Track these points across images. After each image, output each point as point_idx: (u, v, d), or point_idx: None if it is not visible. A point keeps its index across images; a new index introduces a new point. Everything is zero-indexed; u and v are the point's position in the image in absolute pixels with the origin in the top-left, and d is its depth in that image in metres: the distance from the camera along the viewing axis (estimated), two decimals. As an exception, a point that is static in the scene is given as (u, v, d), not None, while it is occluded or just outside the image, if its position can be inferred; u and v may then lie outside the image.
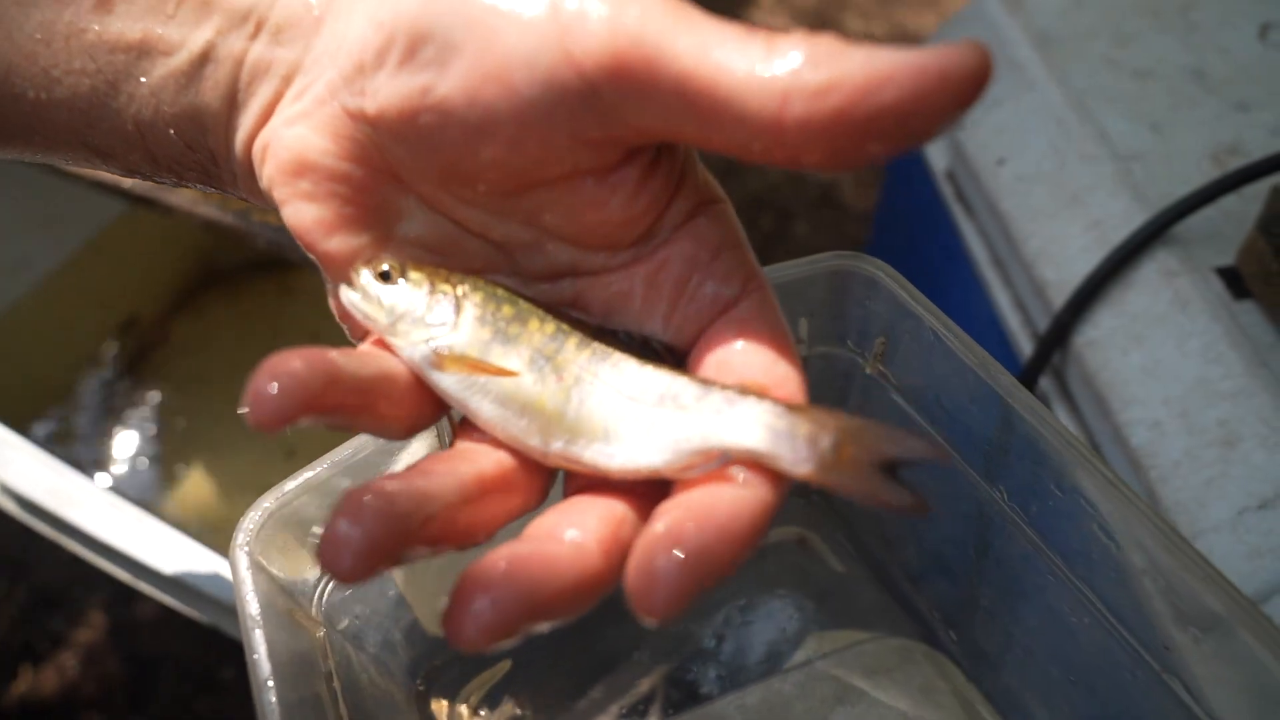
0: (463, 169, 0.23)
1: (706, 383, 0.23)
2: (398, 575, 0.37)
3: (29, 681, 1.02)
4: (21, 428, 0.67)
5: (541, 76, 0.21)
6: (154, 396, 1.04)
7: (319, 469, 0.31)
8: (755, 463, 0.21)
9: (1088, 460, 0.30)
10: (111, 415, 1.05)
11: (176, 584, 0.55)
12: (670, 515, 0.20)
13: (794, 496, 0.44)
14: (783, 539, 0.44)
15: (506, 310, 0.24)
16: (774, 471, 0.21)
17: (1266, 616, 0.27)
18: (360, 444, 0.32)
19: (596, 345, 0.24)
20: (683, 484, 0.22)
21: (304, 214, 0.24)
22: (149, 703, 0.99)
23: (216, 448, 0.99)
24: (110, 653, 1.03)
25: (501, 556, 0.20)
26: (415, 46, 0.22)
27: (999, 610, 0.37)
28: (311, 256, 0.25)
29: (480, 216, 0.25)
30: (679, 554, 0.19)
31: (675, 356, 0.25)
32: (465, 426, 0.25)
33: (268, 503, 0.30)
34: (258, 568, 0.29)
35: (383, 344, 0.25)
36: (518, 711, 0.42)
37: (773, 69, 0.19)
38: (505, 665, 0.42)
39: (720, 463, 0.22)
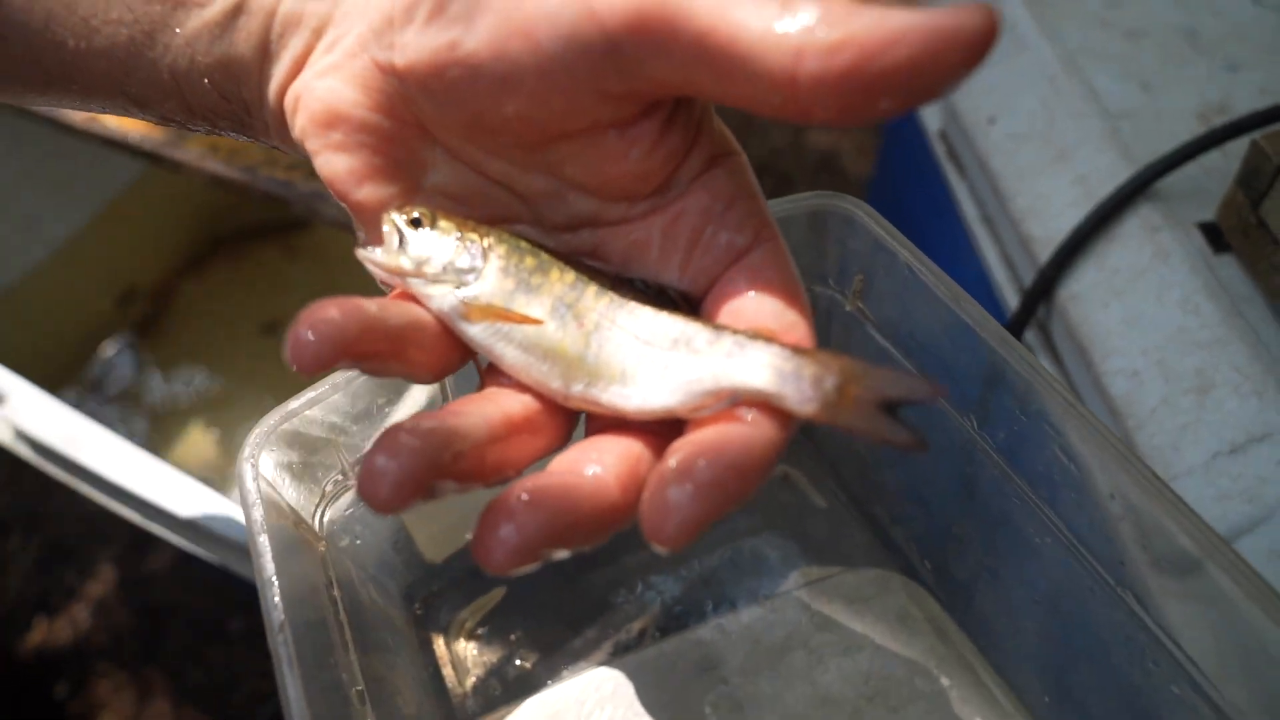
0: (488, 121, 0.24)
1: (718, 328, 0.24)
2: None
3: (44, 631, 1.05)
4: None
5: (565, 31, 0.22)
6: (162, 356, 1.06)
7: (321, 389, 0.33)
8: (763, 403, 0.23)
9: (1050, 387, 0.31)
10: (121, 375, 1.07)
11: (186, 525, 0.57)
12: (682, 451, 0.22)
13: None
14: (776, 478, 0.46)
15: (529, 261, 0.26)
16: (781, 411, 0.23)
17: (1207, 526, 0.29)
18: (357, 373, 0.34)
19: (614, 293, 0.25)
20: (695, 423, 0.24)
21: (336, 164, 0.25)
22: (159, 652, 1.02)
23: (222, 404, 1.02)
24: (122, 604, 1.05)
25: (526, 487, 0.22)
26: (443, 2, 0.23)
27: (971, 539, 0.39)
28: (343, 204, 0.26)
29: (504, 168, 0.26)
30: (690, 486, 0.21)
31: (690, 303, 0.26)
32: (491, 370, 0.26)
33: (273, 419, 0.32)
34: (263, 480, 0.31)
35: (407, 297, 0.26)
36: (511, 636, 0.43)
37: (787, 26, 0.20)
38: (500, 592, 0.44)
39: (730, 403, 0.23)
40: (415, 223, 0.25)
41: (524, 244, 0.26)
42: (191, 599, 1.06)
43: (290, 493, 0.33)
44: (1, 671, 1.02)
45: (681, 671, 0.40)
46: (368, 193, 0.25)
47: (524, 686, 0.41)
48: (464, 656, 0.42)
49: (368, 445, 0.35)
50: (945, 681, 0.39)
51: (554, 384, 0.25)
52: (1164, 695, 0.31)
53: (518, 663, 0.43)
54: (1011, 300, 0.62)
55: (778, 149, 1.36)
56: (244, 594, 1.05)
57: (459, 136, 0.25)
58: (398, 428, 0.22)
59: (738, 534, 0.45)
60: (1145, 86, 0.63)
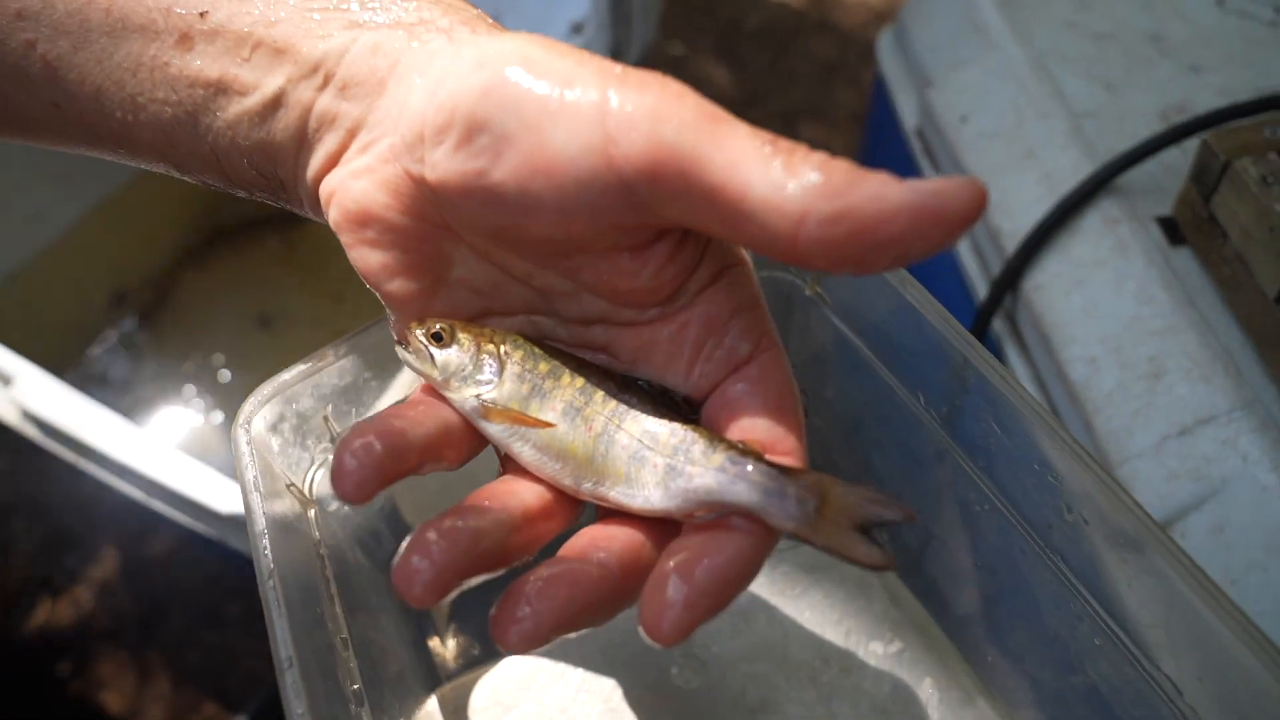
0: (511, 235, 0.27)
1: (713, 440, 0.27)
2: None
3: (48, 613, 1.07)
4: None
5: (585, 176, 0.24)
6: (161, 346, 1.09)
7: (311, 363, 0.35)
8: (750, 516, 0.26)
9: (985, 363, 0.34)
10: (122, 364, 1.09)
11: (186, 501, 0.60)
12: (679, 556, 0.25)
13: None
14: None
15: (543, 367, 0.28)
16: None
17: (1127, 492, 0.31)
18: (348, 347, 0.36)
19: (620, 398, 0.28)
20: (691, 526, 0.27)
21: (369, 259, 0.28)
22: (159, 635, 1.04)
23: (219, 394, 1.04)
24: (122, 589, 1.08)
25: (540, 575, 0.25)
26: (472, 134, 0.25)
27: (921, 509, 0.41)
28: (377, 294, 0.29)
29: (525, 267, 0.28)
30: (685, 588, 0.24)
31: (692, 406, 0.29)
32: (509, 461, 0.29)
33: (266, 389, 0.34)
34: (256, 444, 0.33)
35: (435, 392, 0.29)
36: (491, 600, 0.46)
37: (792, 192, 0.22)
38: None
39: (721, 513, 0.26)
40: (437, 337, 0.28)
41: (538, 350, 0.29)
42: (190, 584, 1.09)
43: (281, 459, 0.36)
44: (6, 651, 1.04)
45: (650, 633, 0.42)
46: (398, 286, 0.28)
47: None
48: (447, 619, 0.45)
49: (355, 418, 0.38)
50: (898, 645, 0.42)
51: (565, 480, 0.28)
52: (1086, 646, 0.33)
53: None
54: (981, 291, 0.65)
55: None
56: (241, 580, 1.07)
57: (484, 240, 0.27)
58: (427, 529, 0.25)
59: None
60: (1110, 87, 0.66)
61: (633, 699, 0.41)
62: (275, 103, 0.28)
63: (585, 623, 0.25)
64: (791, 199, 0.22)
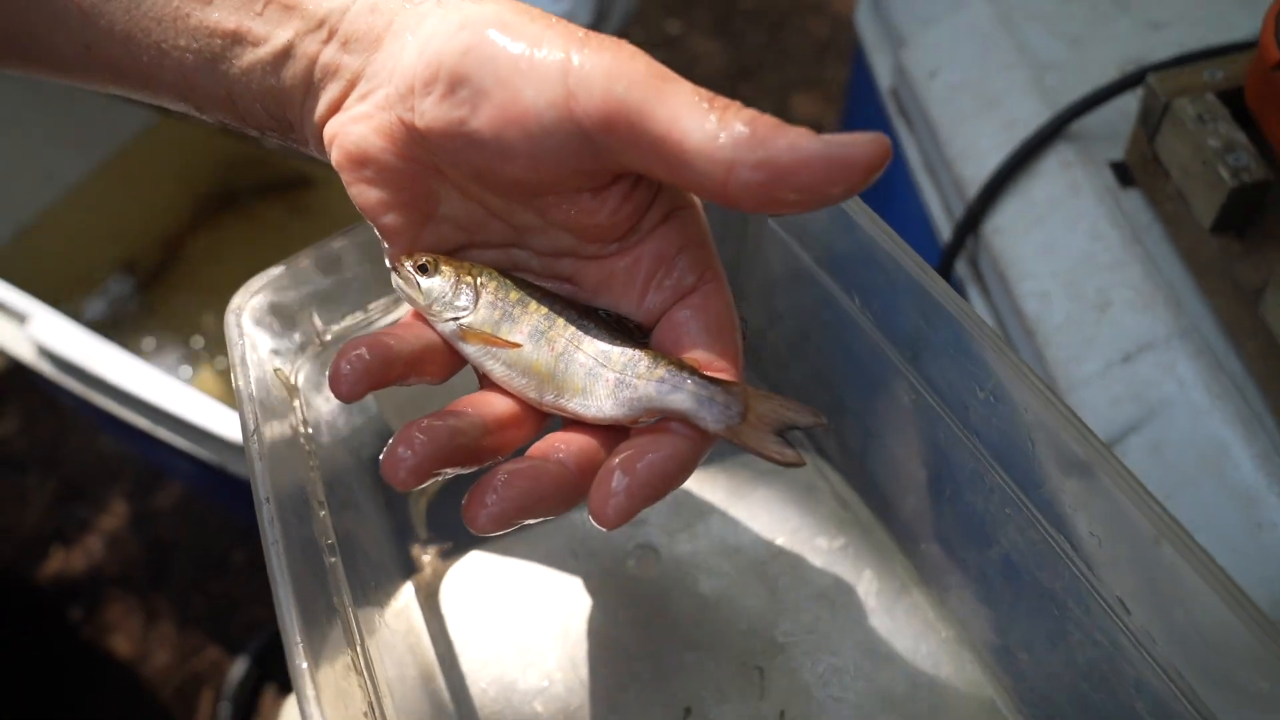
0: (489, 177, 0.31)
1: (656, 358, 0.31)
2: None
3: (61, 561, 1.11)
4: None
5: (550, 126, 0.28)
6: (172, 304, 1.13)
7: (298, 259, 0.38)
8: (686, 420, 0.30)
9: (911, 261, 0.37)
10: (131, 321, 1.13)
11: (191, 428, 0.63)
12: (623, 453, 0.29)
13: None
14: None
15: (513, 295, 0.33)
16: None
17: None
18: (334, 249, 0.40)
19: (579, 324, 0.33)
20: (637, 430, 0.31)
21: (366, 195, 0.32)
22: (166, 581, 1.08)
23: (222, 352, 1.08)
24: (131, 538, 1.12)
25: (505, 469, 0.29)
26: (454, 87, 0.29)
27: (864, 412, 0.44)
28: (373, 226, 0.33)
29: (502, 205, 0.32)
30: (627, 479, 0.28)
31: (643, 331, 0.33)
32: (485, 379, 0.34)
33: (256, 284, 0.37)
34: (247, 335, 0.37)
35: (420, 317, 0.34)
36: (462, 500, 0.49)
37: (723, 143, 0.26)
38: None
39: (661, 418, 0.31)
40: (423, 269, 0.33)
41: (509, 281, 0.33)
42: (196, 533, 1.13)
43: (269, 350, 0.39)
44: (22, 596, 1.08)
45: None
46: (391, 220, 0.32)
47: (472, 540, 0.47)
48: (422, 516, 0.48)
49: (340, 314, 0.41)
50: (842, 540, 0.45)
51: (530, 394, 0.33)
52: (1008, 530, 0.37)
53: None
54: (946, 234, 0.68)
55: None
56: (245, 529, 1.11)
57: (465, 180, 0.32)
58: (413, 425, 0.30)
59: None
60: (1073, 42, 0.68)
61: (591, 586, 0.44)
62: (285, 53, 0.32)
63: (545, 511, 0.30)
64: (723, 148, 0.26)
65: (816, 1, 1.63)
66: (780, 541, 0.45)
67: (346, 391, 0.30)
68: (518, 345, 0.33)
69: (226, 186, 1.19)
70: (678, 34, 1.59)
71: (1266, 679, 0.30)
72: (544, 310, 0.33)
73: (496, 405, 0.33)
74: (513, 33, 0.29)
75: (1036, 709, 0.39)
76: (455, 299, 0.32)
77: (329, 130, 0.32)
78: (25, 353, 0.70)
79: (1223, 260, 0.51)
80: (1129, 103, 0.62)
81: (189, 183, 1.18)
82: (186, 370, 1.06)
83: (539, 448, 0.32)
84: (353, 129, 0.31)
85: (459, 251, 0.34)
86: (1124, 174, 0.60)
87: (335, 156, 0.32)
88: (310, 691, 0.30)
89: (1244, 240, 0.50)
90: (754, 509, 0.46)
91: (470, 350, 0.33)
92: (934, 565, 0.43)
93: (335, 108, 0.32)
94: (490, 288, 0.33)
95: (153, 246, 1.18)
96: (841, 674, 0.40)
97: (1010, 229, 0.62)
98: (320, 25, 0.31)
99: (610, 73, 0.27)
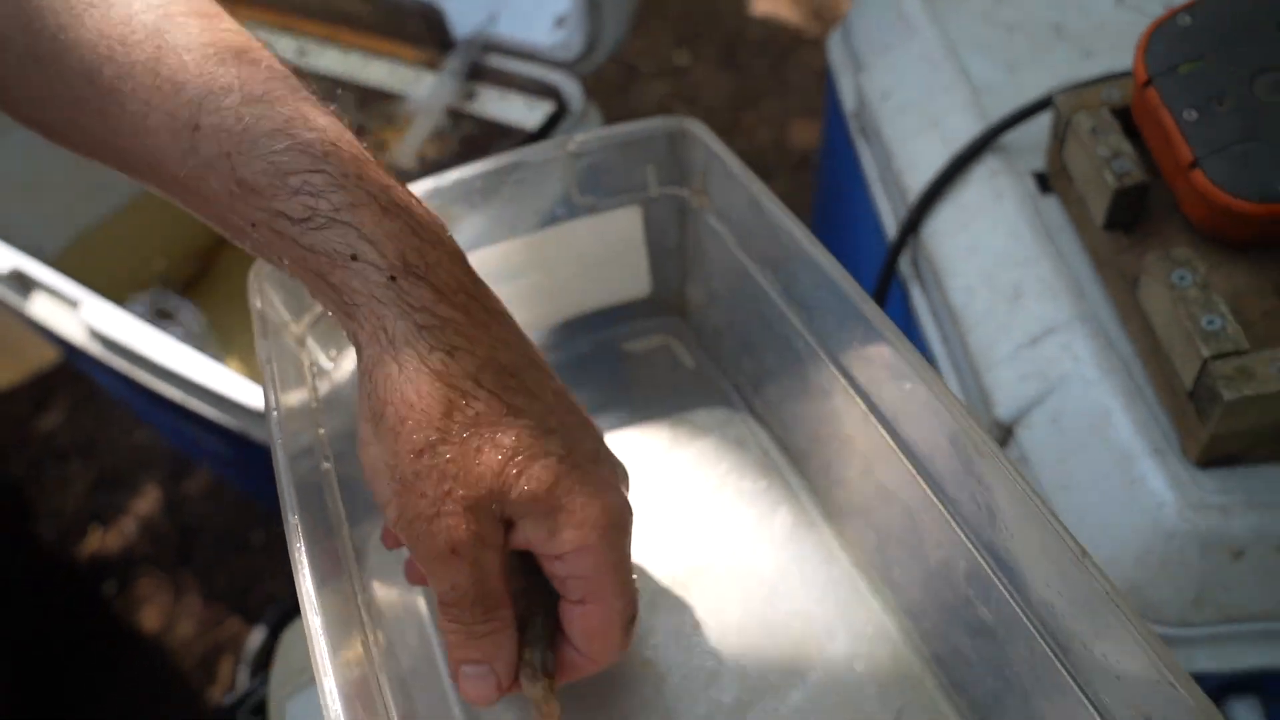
0: None
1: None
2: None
3: (98, 541, 1.20)
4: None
5: None
6: (205, 309, 1.23)
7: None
8: None
9: (802, 234, 0.44)
10: (166, 322, 1.23)
11: (219, 398, 0.72)
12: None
13: (664, 314, 0.59)
14: (654, 345, 0.59)
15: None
16: None
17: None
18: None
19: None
20: None
21: None
22: (192, 559, 1.17)
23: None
24: (162, 520, 1.21)
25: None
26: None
27: (781, 375, 0.52)
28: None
29: None
30: None
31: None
32: None
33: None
34: (265, 295, 0.45)
35: None
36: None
37: None
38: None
39: None
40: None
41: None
42: (220, 517, 1.21)
43: (285, 315, 0.47)
44: (63, 573, 1.17)
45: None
46: None
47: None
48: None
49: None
50: (765, 483, 0.52)
51: None
52: (898, 471, 0.44)
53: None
54: (892, 235, 0.75)
55: (761, 148, 1.49)
56: (264, 513, 1.20)
57: None
58: None
59: (627, 387, 0.59)
60: (1010, 68, 0.76)
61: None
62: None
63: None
64: None
65: (817, 36, 1.72)
66: (711, 484, 0.52)
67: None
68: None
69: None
70: (685, 64, 1.69)
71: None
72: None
73: None
74: None
75: (910, 618, 0.46)
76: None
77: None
78: (77, 334, 0.80)
79: (1113, 253, 0.58)
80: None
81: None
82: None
83: None
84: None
85: None
86: (1043, 182, 0.67)
87: None
88: (316, 615, 0.37)
89: (1130, 236, 0.58)
90: (687, 456, 0.54)
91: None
92: (836, 503, 0.50)
93: None
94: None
95: (190, 259, 1.28)
96: (751, 596, 0.48)
97: (943, 231, 0.69)
98: None
99: None
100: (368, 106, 0.84)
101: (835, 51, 0.93)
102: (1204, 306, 0.49)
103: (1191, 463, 0.53)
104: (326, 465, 0.45)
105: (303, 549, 0.37)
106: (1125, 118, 0.59)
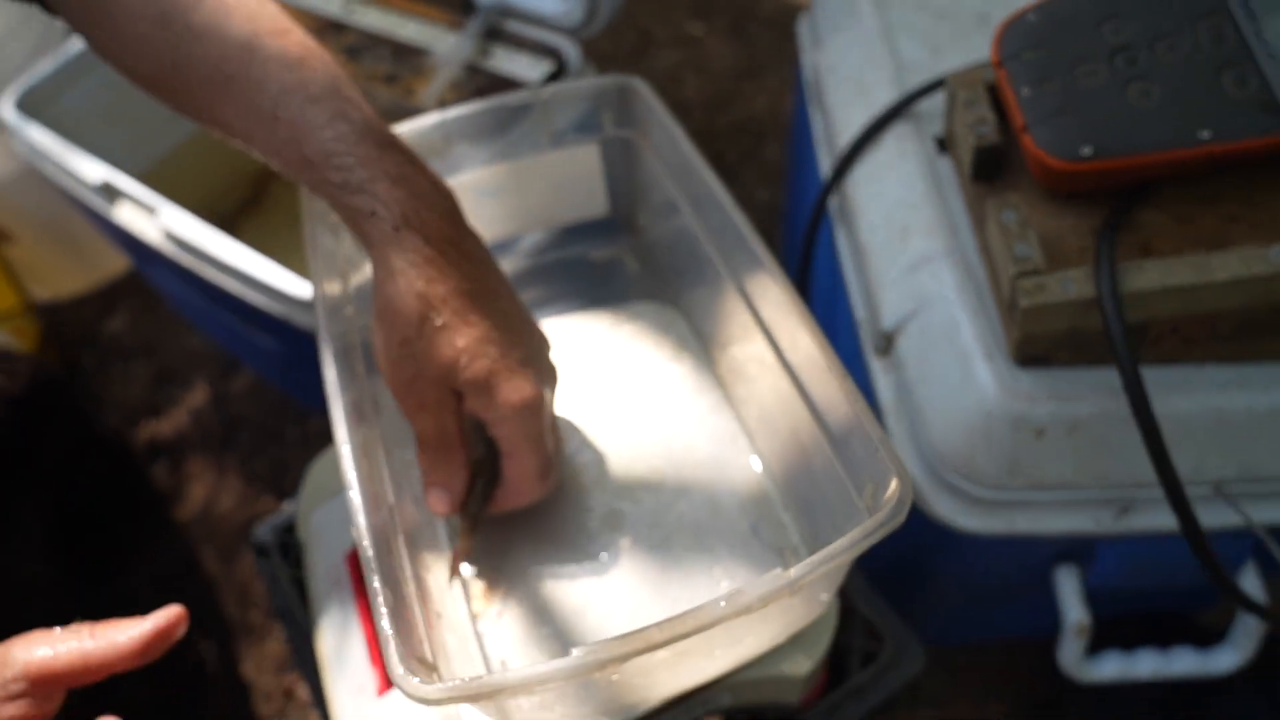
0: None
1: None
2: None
3: (153, 429, 1.39)
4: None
5: None
6: (252, 230, 1.40)
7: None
8: None
9: (707, 176, 0.60)
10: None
11: (269, 289, 0.89)
12: None
13: (619, 232, 0.75)
14: (611, 255, 0.75)
15: None
16: None
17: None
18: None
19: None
20: None
21: None
22: (234, 447, 1.36)
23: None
24: (210, 413, 1.40)
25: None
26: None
27: (698, 279, 0.67)
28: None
29: None
30: None
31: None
32: None
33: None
34: (314, 220, 0.62)
35: None
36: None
37: None
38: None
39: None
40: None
41: None
42: (260, 412, 1.40)
43: (330, 238, 0.64)
44: (125, 456, 1.36)
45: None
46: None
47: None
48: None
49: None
50: (679, 355, 0.68)
51: None
52: (765, 350, 0.60)
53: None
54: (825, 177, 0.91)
55: (756, 114, 1.64)
56: (299, 410, 1.38)
57: None
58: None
59: (594, 284, 0.74)
60: (934, 50, 0.90)
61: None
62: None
63: None
64: None
65: (822, 13, 1.85)
66: (641, 356, 0.69)
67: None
68: None
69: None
70: (699, 35, 1.83)
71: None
72: None
73: None
74: None
75: (765, 456, 0.62)
76: None
77: None
78: (154, 235, 0.97)
79: (976, 200, 0.73)
80: (958, 95, 0.84)
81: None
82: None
83: None
84: None
85: None
86: (942, 145, 0.82)
87: None
88: (339, 403, 0.54)
89: (990, 186, 0.73)
90: (629, 335, 0.70)
91: None
92: (728, 373, 0.66)
93: None
94: None
95: (242, 186, 1.45)
96: (658, 435, 0.64)
97: (860, 182, 0.84)
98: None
99: None
100: (400, 58, 1.00)
101: (803, 31, 1.08)
102: (1019, 238, 0.65)
103: (1013, 363, 0.68)
104: (352, 336, 0.62)
105: (335, 380, 0.54)
106: (995, 93, 0.74)
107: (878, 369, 0.77)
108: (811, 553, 0.42)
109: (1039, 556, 0.78)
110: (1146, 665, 0.79)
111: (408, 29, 1.03)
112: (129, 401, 1.42)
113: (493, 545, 0.59)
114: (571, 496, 0.61)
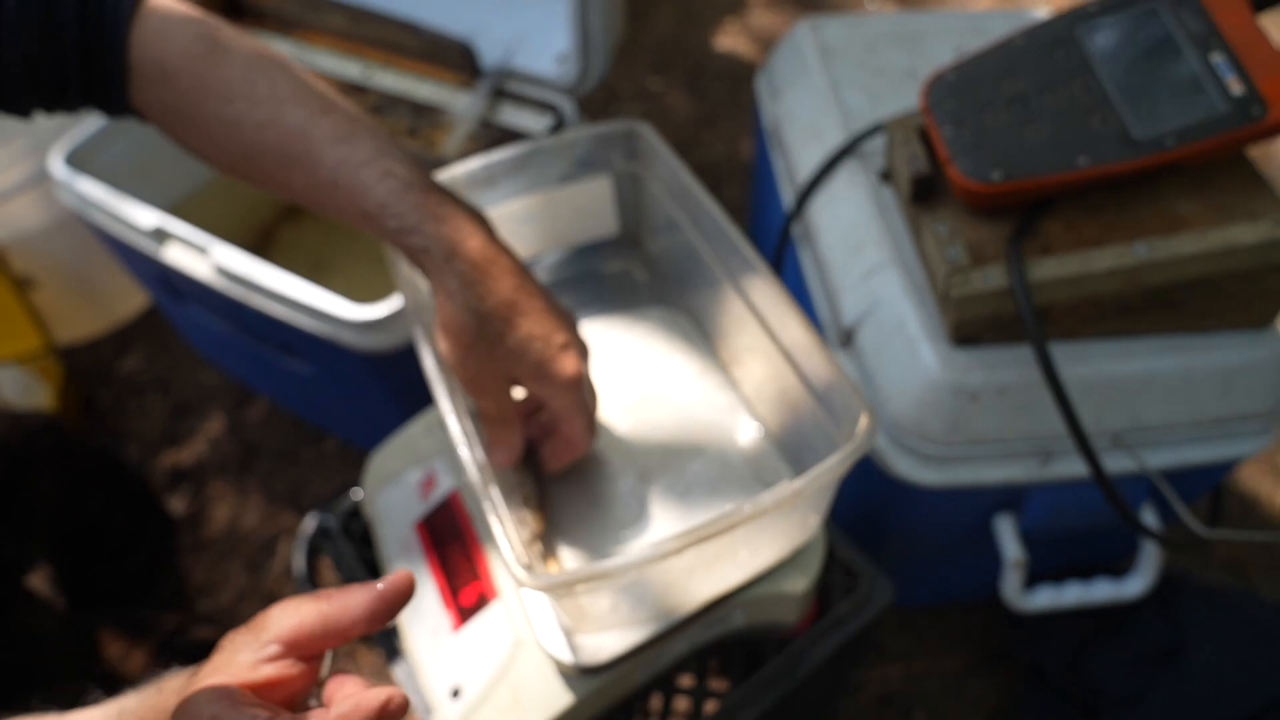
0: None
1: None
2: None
3: (173, 458, 1.49)
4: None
5: None
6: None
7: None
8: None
9: (703, 197, 0.76)
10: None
11: (316, 311, 1.03)
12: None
13: (627, 248, 0.91)
14: (620, 268, 0.91)
15: None
16: None
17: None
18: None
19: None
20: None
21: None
22: (253, 471, 1.46)
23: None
24: (227, 440, 1.50)
25: None
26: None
27: (701, 284, 0.83)
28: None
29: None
30: None
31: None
32: None
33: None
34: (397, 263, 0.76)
35: None
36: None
37: None
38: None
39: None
40: None
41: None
42: (277, 437, 1.51)
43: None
44: (144, 485, 1.46)
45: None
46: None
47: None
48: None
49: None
50: (686, 348, 0.84)
51: None
52: (762, 337, 0.76)
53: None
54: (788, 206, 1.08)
55: (716, 160, 1.82)
56: (312, 432, 1.49)
57: None
58: None
59: (606, 293, 0.90)
60: (873, 100, 1.09)
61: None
62: None
63: None
64: None
65: (767, 69, 2.05)
66: (653, 351, 0.84)
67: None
68: None
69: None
70: (658, 90, 2.02)
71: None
72: None
73: None
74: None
75: (765, 421, 0.77)
76: None
77: None
78: (207, 274, 1.10)
79: (914, 219, 0.91)
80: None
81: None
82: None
83: None
84: None
85: None
86: (885, 177, 1.00)
87: None
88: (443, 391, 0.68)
89: (925, 207, 0.90)
90: (641, 335, 0.85)
91: None
92: (730, 359, 0.82)
93: None
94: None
95: (252, 233, 1.58)
96: (672, 412, 0.79)
97: (818, 210, 1.02)
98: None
99: None
100: (419, 115, 1.16)
101: (760, 84, 1.26)
102: (949, 244, 0.82)
103: (950, 344, 0.85)
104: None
105: (435, 366, 0.68)
106: (924, 134, 0.92)
107: (842, 358, 0.94)
108: (808, 478, 0.57)
109: (980, 507, 0.94)
110: (1072, 594, 0.95)
111: (423, 90, 1.19)
112: (148, 434, 1.52)
113: (551, 508, 0.73)
114: (609, 466, 0.76)
